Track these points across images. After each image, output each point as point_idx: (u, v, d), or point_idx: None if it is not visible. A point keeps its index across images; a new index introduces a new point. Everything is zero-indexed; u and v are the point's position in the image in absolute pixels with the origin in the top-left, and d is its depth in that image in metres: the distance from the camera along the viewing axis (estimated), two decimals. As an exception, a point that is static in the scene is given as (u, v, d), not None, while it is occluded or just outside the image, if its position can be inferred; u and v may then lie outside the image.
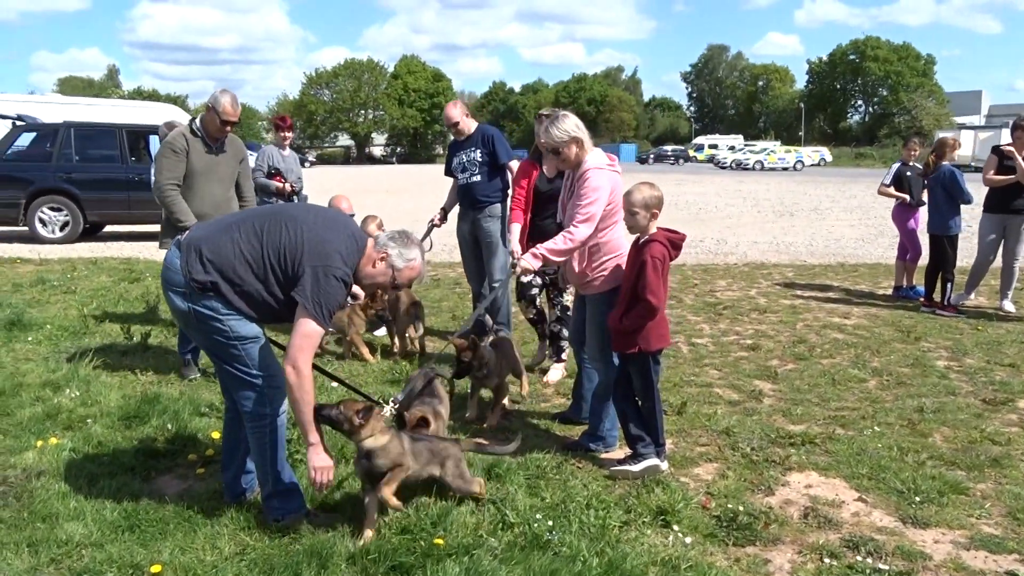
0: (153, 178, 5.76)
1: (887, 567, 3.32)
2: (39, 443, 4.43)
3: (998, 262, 8.69)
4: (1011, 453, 4.55)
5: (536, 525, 3.49)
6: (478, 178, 6.51)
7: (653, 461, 4.21)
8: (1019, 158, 8.12)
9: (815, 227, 17.92)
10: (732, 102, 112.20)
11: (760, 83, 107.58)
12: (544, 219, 5.70)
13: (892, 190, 9.63)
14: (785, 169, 56.10)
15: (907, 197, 9.48)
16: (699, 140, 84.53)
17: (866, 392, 5.74)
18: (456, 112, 6.61)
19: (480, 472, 4.05)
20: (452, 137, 6.88)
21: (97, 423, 4.80)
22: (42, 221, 14.28)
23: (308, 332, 3.30)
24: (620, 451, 4.52)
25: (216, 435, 4.39)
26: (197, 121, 5.75)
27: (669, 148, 79.10)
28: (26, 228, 14.30)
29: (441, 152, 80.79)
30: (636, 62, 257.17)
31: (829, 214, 21.28)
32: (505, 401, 5.22)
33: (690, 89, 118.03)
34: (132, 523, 3.56)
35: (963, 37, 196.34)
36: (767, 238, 15.78)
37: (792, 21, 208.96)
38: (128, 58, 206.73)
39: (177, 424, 4.76)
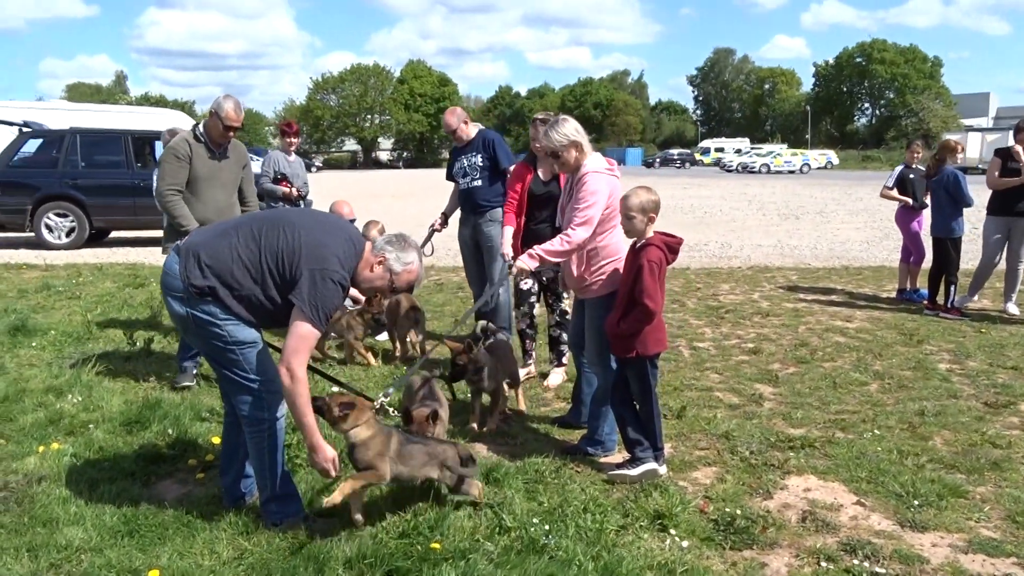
0: (155, 184, 5.79)
1: (884, 571, 3.32)
2: (41, 448, 4.46)
3: (1002, 265, 8.66)
4: (1011, 456, 4.53)
5: (533, 529, 3.49)
6: (479, 183, 6.53)
7: (651, 465, 4.21)
8: None
9: (820, 230, 17.89)
10: (738, 105, 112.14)
11: (766, 86, 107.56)
12: (538, 223, 5.71)
13: (895, 193, 9.62)
14: (791, 172, 56.02)
15: (909, 200, 9.47)
16: (705, 143, 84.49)
17: (867, 395, 5.73)
18: (454, 119, 6.64)
19: (478, 476, 4.06)
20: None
21: (99, 428, 4.83)
22: (48, 227, 14.37)
23: (303, 334, 3.32)
24: (619, 455, 4.52)
25: (217, 440, 4.39)
26: (200, 126, 5.77)
27: (675, 152, 79.20)
28: (33, 234, 14.39)
29: (447, 156, 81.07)
30: (642, 66, 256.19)
31: (834, 217, 21.24)
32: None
33: (696, 92, 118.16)
34: (131, 528, 3.58)
35: (971, 39, 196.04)
36: (771, 241, 15.76)
37: (798, 24, 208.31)
38: (136, 64, 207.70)
39: (178, 429, 4.79)
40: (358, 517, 3.54)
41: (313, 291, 3.33)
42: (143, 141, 14.82)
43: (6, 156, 14.49)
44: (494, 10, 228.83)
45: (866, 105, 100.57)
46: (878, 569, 3.32)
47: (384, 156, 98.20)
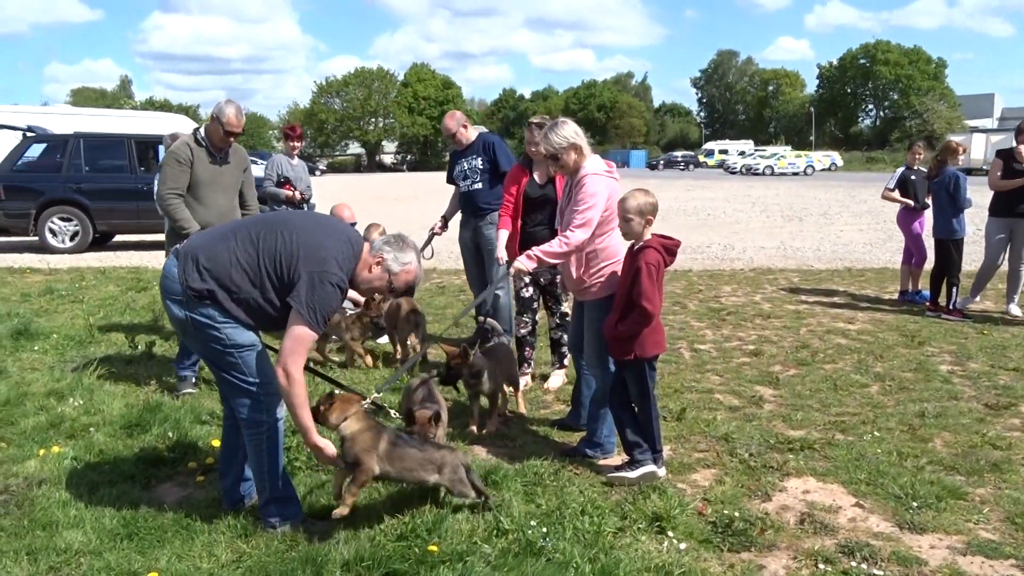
0: (156, 187, 5.81)
1: (882, 572, 3.32)
2: (41, 452, 4.47)
3: (1005, 266, 8.64)
4: (1012, 458, 4.52)
5: (530, 532, 3.49)
6: (479, 186, 6.54)
7: (650, 468, 4.21)
8: None
9: (823, 232, 17.87)
10: (742, 107, 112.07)
11: (770, 88, 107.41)
12: (534, 226, 5.72)
13: (896, 195, 9.60)
14: (796, 174, 55.91)
15: (910, 202, 9.46)
16: (709, 145, 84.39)
17: (868, 397, 5.72)
18: (453, 123, 6.66)
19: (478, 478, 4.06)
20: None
21: (99, 432, 4.84)
22: (52, 231, 14.44)
23: (299, 336, 3.33)
24: (618, 457, 4.52)
25: (217, 443, 4.40)
26: (202, 130, 5.79)
27: (679, 154, 79.17)
28: (37, 238, 14.45)
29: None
30: (646, 68, 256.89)
31: (838, 219, 21.21)
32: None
33: (700, 95, 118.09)
34: (131, 531, 3.59)
35: (975, 40, 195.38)
36: (774, 243, 15.74)
37: (802, 25, 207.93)
38: (140, 69, 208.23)
39: (178, 432, 4.80)
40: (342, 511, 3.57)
41: (311, 293, 3.34)
42: (146, 145, 14.89)
43: (10, 161, 14.55)
44: (497, 13, 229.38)
45: (870, 107, 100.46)
46: (876, 571, 3.32)
47: (388, 159, 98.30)
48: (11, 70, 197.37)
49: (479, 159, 6.54)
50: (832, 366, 6.55)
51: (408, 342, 6.63)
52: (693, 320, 8.45)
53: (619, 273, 4.37)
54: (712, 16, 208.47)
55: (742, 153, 70.01)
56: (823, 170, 61.17)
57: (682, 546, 3.50)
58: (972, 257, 9.95)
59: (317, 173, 59.03)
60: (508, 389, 5.37)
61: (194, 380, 5.76)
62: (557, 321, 5.99)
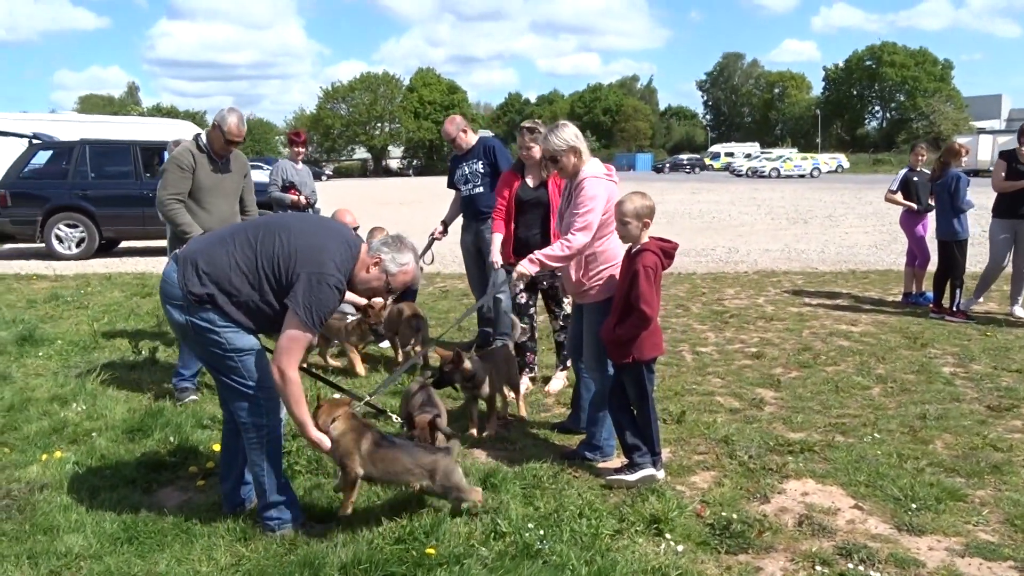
0: (157, 193, 5.84)
1: (879, 574, 3.31)
2: (43, 457, 4.50)
3: (1009, 268, 8.62)
4: (1012, 460, 4.51)
5: (527, 534, 3.50)
6: (480, 189, 6.57)
7: (649, 471, 4.21)
8: None
9: (828, 234, 17.84)
10: (748, 110, 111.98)
11: (776, 90, 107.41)
12: (528, 229, 5.74)
13: (899, 196, 9.59)
14: (802, 176, 55.85)
15: (913, 204, 9.45)
16: (715, 148, 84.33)
17: (869, 399, 5.71)
18: (453, 128, 6.69)
19: (476, 482, 4.08)
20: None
21: (101, 436, 4.87)
22: (58, 238, 14.51)
23: (295, 336, 3.36)
24: (617, 460, 4.52)
25: (217, 447, 4.42)
26: (203, 136, 5.82)
27: (685, 157, 79.09)
28: (43, 245, 14.52)
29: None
30: (651, 71, 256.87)
31: (843, 221, 21.17)
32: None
33: (706, 97, 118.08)
34: (131, 535, 3.61)
35: (982, 41, 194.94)
36: (779, 246, 15.73)
37: (808, 27, 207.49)
38: (148, 75, 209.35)
39: (179, 437, 4.82)
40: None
41: (308, 294, 3.36)
42: (151, 151, 14.94)
43: (17, 168, 14.64)
44: (503, 18, 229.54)
45: (877, 108, 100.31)
46: (873, 573, 3.32)
47: (394, 164, 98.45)
48: (20, 78, 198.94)
49: (480, 163, 6.56)
50: (834, 368, 6.54)
51: (409, 347, 6.64)
52: (696, 323, 8.45)
53: (617, 276, 4.38)
54: (717, 19, 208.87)
55: (748, 156, 70.00)
56: (829, 172, 61.10)
57: (679, 548, 3.50)
58: (977, 259, 9.92)
59: (323, 178, 59.15)
60: (509, 393, 5.38)
61: (194, 387, 5.76)
62: (560, 324, 6.00)
